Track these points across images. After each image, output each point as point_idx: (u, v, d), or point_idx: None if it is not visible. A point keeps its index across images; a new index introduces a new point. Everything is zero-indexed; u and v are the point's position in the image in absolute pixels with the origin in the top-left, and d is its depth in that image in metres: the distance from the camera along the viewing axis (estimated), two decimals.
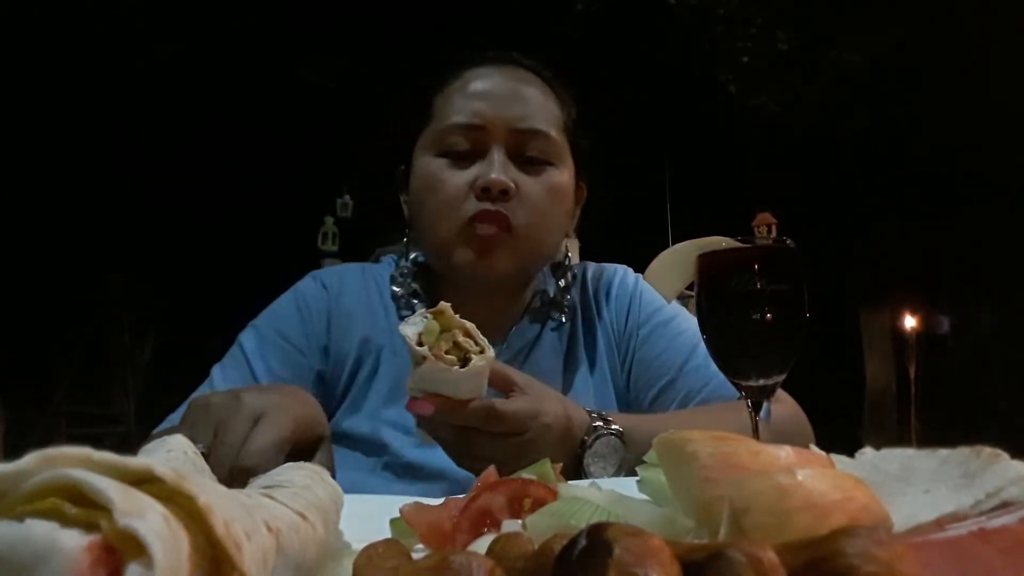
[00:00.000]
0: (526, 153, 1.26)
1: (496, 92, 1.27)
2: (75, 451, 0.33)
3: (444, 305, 0.93)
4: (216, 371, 1.27)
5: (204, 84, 7.00)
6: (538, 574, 0.35)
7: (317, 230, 7.60)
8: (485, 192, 1.21)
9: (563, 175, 1.30)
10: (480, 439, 0.95)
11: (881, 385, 8.80)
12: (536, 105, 1.28)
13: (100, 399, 6.93)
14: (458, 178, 1.24)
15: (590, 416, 1.06)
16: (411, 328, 0.91)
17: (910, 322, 8.29)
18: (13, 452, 0.34)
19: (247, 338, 1.29)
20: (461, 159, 1.25)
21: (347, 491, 0.59)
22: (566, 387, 1.33)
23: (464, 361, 0.91)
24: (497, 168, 1.22)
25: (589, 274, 1.44)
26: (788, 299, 0.88)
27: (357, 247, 7.13)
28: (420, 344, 0.90)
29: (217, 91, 7.03)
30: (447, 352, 0.91)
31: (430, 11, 6.90)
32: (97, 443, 0.34)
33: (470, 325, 0.93)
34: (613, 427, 1.05)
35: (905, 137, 7.53)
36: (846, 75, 7.34)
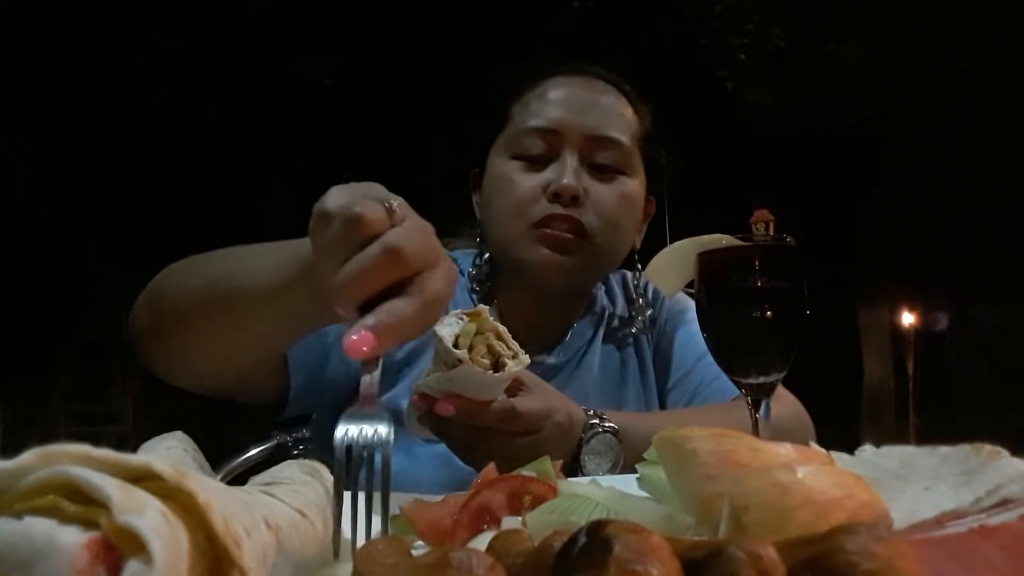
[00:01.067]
0: (598, 160, 1.28)
1: (573, 100, 1.30)
2: (74, 448, 0.33)
3: (482, 308, 0.93)
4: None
5: (203, 81, 6.99)
6: (538, 571, 0.35)
7: None
8: (557, 197, 1.23)
9: (634, 184, 1.31)
10: (495, 438, 0.96)
11: (880, 382, 8.82)
12: (611, 114, 1.31)
13: (99, 397, 6.93)
14: (531, 180, 1.26)
15: (586, 414, 1.08)
16: (447, 329, 0.90)
17: (908, 319, 8.30)
18: (12, 451, 0.33)
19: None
20: (535, 163, 1.27)
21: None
22: (619, 394, 1.35)
23: (495, 365, 0.91)
24: (570, 173, 1.23)
25: (630, 282, 1.47)
26: (788, 296, 0.88)
27: None
28: (456, 346, 0.90)
29: (215, 88, 7.02)
30: (481, 356, 0.90)
31: (430, 8, 6.89)
32: (96, 441, 0.34)
33: (503, 329, 0.93)
34: (608, 425, 1.07)
35: (903, 132, 7.53)
36: (843, 70, 7.33)
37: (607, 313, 1.41)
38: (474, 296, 1.36)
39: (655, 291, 1.44)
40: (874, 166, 8.01)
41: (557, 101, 1.30)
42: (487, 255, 1.39)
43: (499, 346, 0.92)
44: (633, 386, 1.38)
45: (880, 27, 7.12)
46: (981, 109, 6.92)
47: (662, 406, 1.38)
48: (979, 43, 6.55)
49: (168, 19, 6.77)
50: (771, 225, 0.95)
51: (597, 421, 1.07)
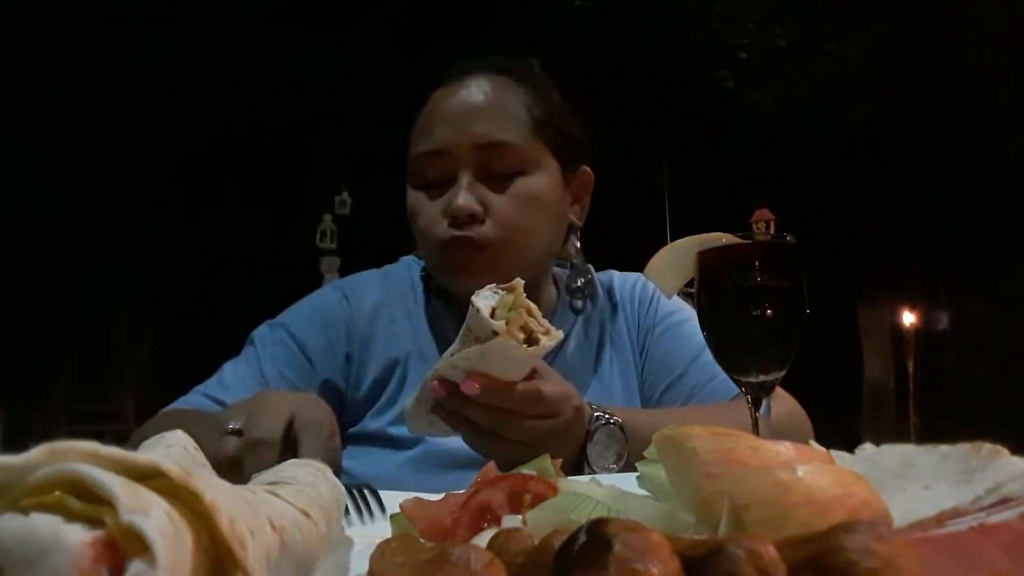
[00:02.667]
0: (494, 168, 1.26)
1: (455, 112, 1.28)
2: (82, 445, 0.33)
3: (518, 281, 0.93)
4: (227, 367, 1.30)
5: (202, 81, 6.99)
6: (538, 569, 0.35)
7: (315, 228, 7.60)
8: (455, 219, 1.23)
9: (538, 180, 1.29)
10: (517, 422, 0.95)
11: (880, 380, 8.82)
12: (499, 116, 1.27)
13: (99, 396, 6.94)
14: (431, 209, 1.27)
15: (590, 407, 1.08)
16: (483, 301, 0.90)
17: (908, 317, 8.30)
18: (13, 450, 0.34)
19: (262, 339, 1.33)
20: (434, 187, 1.28)
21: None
22: (596, 386, 1.35)
23: (528, 340, 0.90)
24: (462, 194, 1.23)
25: (616, 281, 1.47)
26: (788, 295, 0.88)
27: (355, 245, 7.14)
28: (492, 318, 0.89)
29: (215, 88, 7.02)
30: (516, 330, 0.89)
31: (429, 8, 6.88)
32: (96, 440, 0.34)
33: (533, 306, 0.93)
34: (613, 418, 1.07)
35: (903, 132, 7.53)
36: (844, 70, 7.33)
37: (568, 299, 1.42)
38: (435, 297, 1.38)
39: (644, 294, 1.44)
40: (874, 166, 8.01)
41: (440, 118, 1.28)
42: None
43: (531, 322, 0.91)
44: (610, 371, 1.38)
45: (880, 27, 7.12)
46: (981, 109, 6.92)
47: (647, 408, 1.38)
48: (979, 43, 6.55)
49: (168, 19, 6.77)
50: (771, 224, 0.95)
51: (602, 413, 1.07)
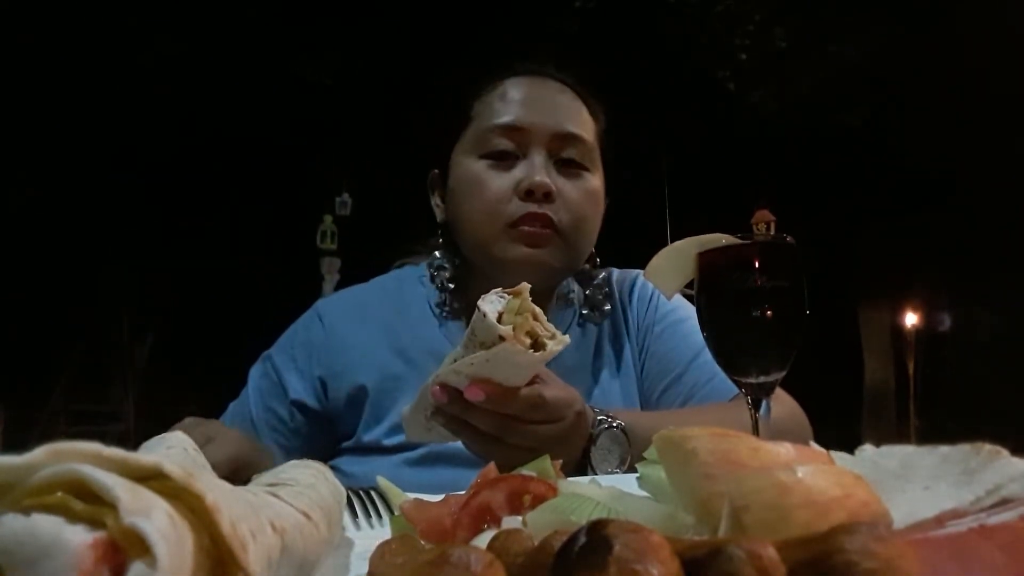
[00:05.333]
0: (564, 156, 1.30)
1: (535, 98, 1.32)
2: (84, 446, 0.33)
3: (524, 285, 0.92)
4: (231, 407, 1.39)
5: (202, 81, 6.99)
6: (538, 570, 0.35)
7: (316, 228, 7.60)
8: (529, 194, 1.25)
9: (597, 180, 1.34)
10: (521, 428, 0.95)
11: (880, 382, 8.81)
12: (573, 112, 1.33)
13: (99, 397, 6.93)
14: (501, 180, 1.27)
15: (593, 411, 1.07)
16: (490, 307, 0.89)
17: (909, 319, 8.30)
18: (13, 450, 0.34)
19: (253, 375, 1.39)
20: (503, 161, 1.29)
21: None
22: (593, 386, 1.35)
23: (534, 345, 0.89)
24: (540, 171, 1.26)
25: (615, 278, 1.47)
26: (788, 295, 0.88)
27: (356, 246, 7.14)
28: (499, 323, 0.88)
29: (215, 89, 7.02)
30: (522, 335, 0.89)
31: (430, 8, 6.88)
32: (97, 440, 0.34)
33: (538, 310, 0.92)
34: (617, 421, 1.07)
35: (904, 133, 7.53)
36: (844, 71, 7.33)
37: (578, 302, 1.42)
38: (441, 309, 1.37)
39: (643, 292, 1.45)
40: (875, 167, 8.00)
41: (520, 100, 1.32)
42: (455, 258, 1.39)
43: (536, 326, 0.91)
44: (610, 371, 1.38)
45: (881, 28, 7.11)
46: (983, 110, 6.91)
47: (647, 407, 1.38)
48: (981, 43, 6.54)
49: (169, 20, 6.77)
50: (772, 225, 0.95)
51: (605, 417, 1.07)
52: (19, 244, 6.88)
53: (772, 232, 0.92)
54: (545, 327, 0.92)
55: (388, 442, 1.28)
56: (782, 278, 0.87)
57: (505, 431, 0.95)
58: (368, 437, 1.30)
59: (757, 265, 0.87)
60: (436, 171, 1.41)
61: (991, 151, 7.05)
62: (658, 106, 7.68)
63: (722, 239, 0.91)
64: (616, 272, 1.50)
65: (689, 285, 0.96)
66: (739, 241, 0.90)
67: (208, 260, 7.50)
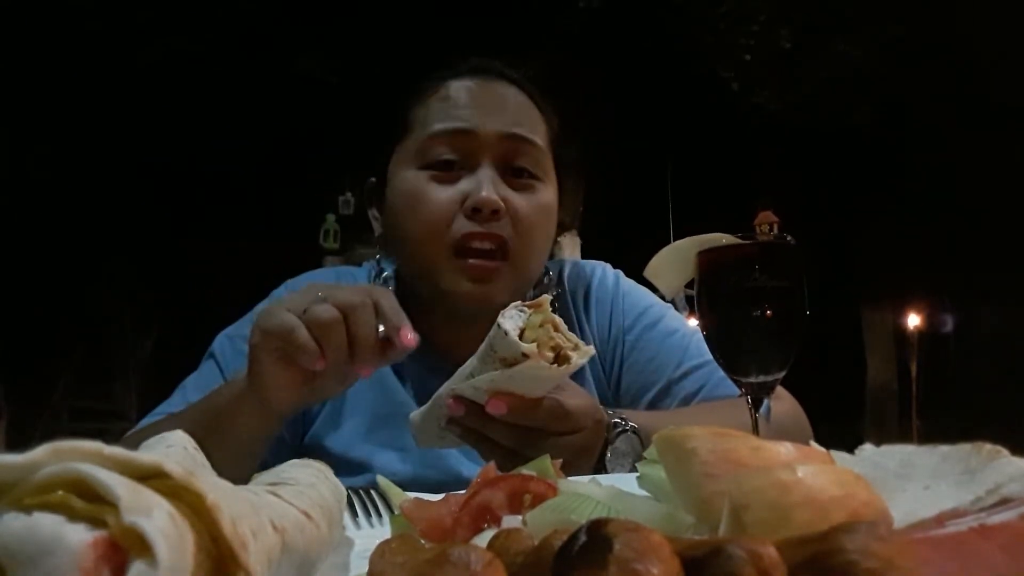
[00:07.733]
0: (516, 164, 1.18)
1: (482, 98, 1.20)
2: (86, 445, 0.33)
3: (544, 298, 0.88)
4: (189, 381, 1.23)
5: (206, 79, 6.99)
6: (538, 570, 0.35)
7: (319, 227, 7.60)
8: (476, 212, 1.12)
9: (550, 193, 1.23)
10: (540, 439, 0.91)
11: (882, 382, 8.80)
12: (523, 114, 1.21)
13: (102, 394, 6.94)
14: (444, 194, 1.15)
15: (607, 414, 1.04)
16: (510, 323, 0.85)
17: (912, 319, 8.29)
18: (15, 448, 0.34)
19: (223, 351, 1.25)
20: (446, 172, 1.16)
21: None
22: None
23: (556, 358, 0.86)
24: (488, 185, 1.13)
25: (567, 272, 1.37)
26: (788, 295, 0.88)
27: (358, 245, 7.13)
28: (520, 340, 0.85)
29: (219, 86, 7.03)
30: (545, 349, 0.86)
31: (431, 7, 6.88)
32: (99, 438, 0.34)
33: (559, 320, 0.89)
34: (630, 424, 1.04)
35: (907, 134, 7.52)
36: (848, 72, 7.32)
37: None
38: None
39: (601, 294, 1.34)
40: (880, 167, 7.99)
41: (465, 101, 1.18)
42: (388, 276, 1.30)
43: (558, 337, 0.87)
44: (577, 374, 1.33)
45: (886, 28, 7.10)
46: (986, 110, 6.90)
47: (619, 403, 1.31)
48: (984, 44, 6.53)
49: (172, 18, 6.77)
50: (775, 226, 0.95)
51: (620, 420, 1.04)
52: (22, 241, 6.89)
53: (775, 233, 0.92)
54: (567, 337, 0.88)
55: (352, 455, 1.21)
56: (782, 278, 0.87)
57: (526, 444, 0.91)
58: (328, 442, 1.23)
59: (757, 265, 0.87)
60: (373, 180, 1.29)
61: (994, 152, 7.04)
62: (662, 106, 7.68)
63: (722, 239, 0.91)
64: (569, 264, 1.39)
65: (689, 285, 0.96)
66: (739, 241, 0.90)
67: (211, 258, 7.51)
